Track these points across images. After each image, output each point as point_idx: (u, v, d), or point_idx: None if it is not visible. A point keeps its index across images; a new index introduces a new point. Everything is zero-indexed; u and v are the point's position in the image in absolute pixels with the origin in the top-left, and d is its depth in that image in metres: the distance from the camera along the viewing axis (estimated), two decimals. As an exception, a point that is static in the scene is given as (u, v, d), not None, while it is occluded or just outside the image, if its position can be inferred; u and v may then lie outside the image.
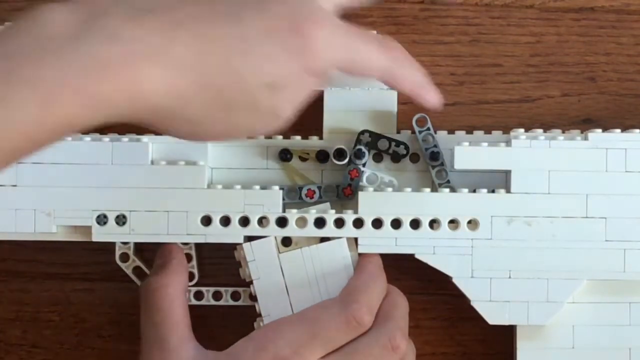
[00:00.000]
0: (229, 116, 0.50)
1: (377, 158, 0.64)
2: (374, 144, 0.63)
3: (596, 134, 0.61)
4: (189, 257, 0.63)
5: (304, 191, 0.63)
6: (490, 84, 0.66)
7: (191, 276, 0.63)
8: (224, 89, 0.49)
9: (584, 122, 0.66)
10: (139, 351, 0.64)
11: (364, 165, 0.63)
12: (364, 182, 0.62)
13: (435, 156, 0.63)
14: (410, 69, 0.57)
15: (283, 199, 0.62)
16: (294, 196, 0.63)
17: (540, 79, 0.66)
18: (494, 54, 0.66)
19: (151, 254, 0.63)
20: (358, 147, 0.63)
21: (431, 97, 0.57)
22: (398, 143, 0.63)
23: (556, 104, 0.66)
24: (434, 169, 0.63)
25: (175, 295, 0.60)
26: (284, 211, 0.61)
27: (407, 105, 0.65)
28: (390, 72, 0.55)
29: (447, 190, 0.61)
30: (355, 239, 0.61)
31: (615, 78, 0.66)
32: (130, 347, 0.66)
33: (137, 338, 0.65)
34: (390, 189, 0.61)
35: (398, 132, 0.64)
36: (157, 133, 0.63)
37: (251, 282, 0.61)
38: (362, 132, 0.63)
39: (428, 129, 0.63)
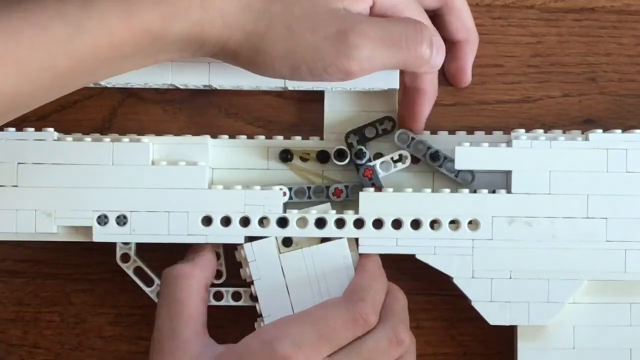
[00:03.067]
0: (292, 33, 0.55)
1: (378, 157, 0.64)
2: (362, 137, 0.63)
3: (597, 135, 0.61)
4: (216, 256, 0.63)
5: (332, 190, 0.63)
6: (491, 84, 0.66)
7: (219, 274, 0.63)
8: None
9: (585, 123, 0.66)
10: (140, 352, 0.64)
11: (369, 161, 0.63)
12: (381, 173, 0.62)
13: (435, 156, 0.63)
14: None
15: (291, 199, 0.62)
16: (321, 195, 0.63)
17: (541, 79, 0.66)
18: (495, 54, 0.66)
19: (152, 254, 0.63)
20: (358, 147, 0.63)
21: None
22: (381, 121, 0.64)
23: (557, 105, 0.66)
24: (441, 167, 0.63)
25: (196, 288, 0.60)
26: (284, 211, 0.61)
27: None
28: None
29: (448, 190, 0.61)
30: (356, 240, 0.61)
31: (616, 78, 0.66)
32: (130, 347, 0.66)
33: (137, 339, 0.66)
34: (407, 162, 0.62)
35: (398, 132, 0.64)
36: (157, 134, 0.63)
37: (252, 283, 0.61)
38: (347, 135, 0.63)
39: (413, 138, 0.63)
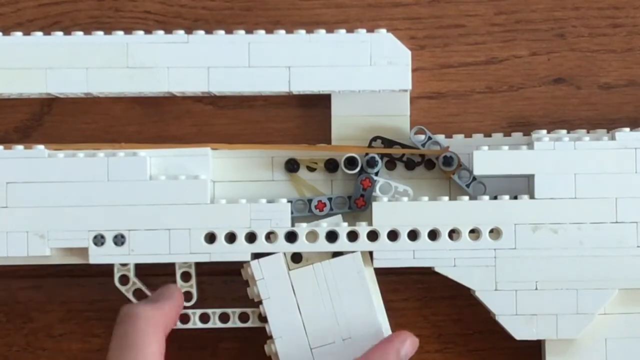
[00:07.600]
0: None
1: (390, 166, 0.63)
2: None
3: (624, 133, 0.60)
4: (187, 276, 0.62)
5: (314, 203, 0.61)
6: (453, 46, 0.65)
7: (189, 296, 0.62)
8: None
9: (555, 82, 0.65)
10: (93, 350, 0.64)
11: (376, 174, 0.61)
12: (377, 192, 0.61)
13: (449, 161, 0.61)
14: None
15: (292, 213, 0.60)
16: (304, 209, 0.61)
17: (507, 38, 0.65)
18: (456, 14, 0.65)
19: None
20: (370, 154, 0.61)
21: None
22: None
23: (525, 64, 0.65)
24: (454, 174, 0.62)
25: (153, 333, 0.57)
26: (293, 225, 0.60)
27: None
28: None
29: (467, 197, 0.60)
30: (371, 253, 0.60)
31: (586, 34, 0.65)
32: (82, 345, 0.65)
33: (89, 336, 0.64)
34: (405, 199, 0.60)
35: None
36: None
37: (260, 302, 0.60)
38: (374, 139, 0.62)
39: (429, 138, 0.62)
